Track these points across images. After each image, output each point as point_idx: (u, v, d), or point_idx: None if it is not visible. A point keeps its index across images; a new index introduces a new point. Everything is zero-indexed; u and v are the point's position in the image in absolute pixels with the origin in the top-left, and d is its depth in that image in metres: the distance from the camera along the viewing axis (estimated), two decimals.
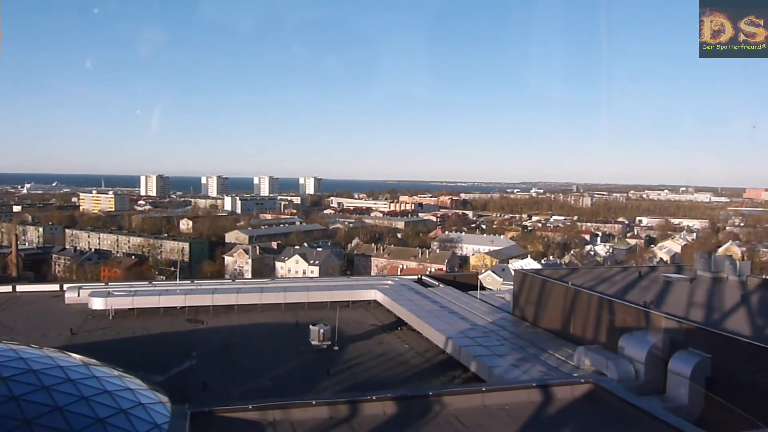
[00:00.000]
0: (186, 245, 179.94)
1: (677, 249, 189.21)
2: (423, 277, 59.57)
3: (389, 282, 55.94)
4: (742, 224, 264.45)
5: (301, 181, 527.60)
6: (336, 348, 38.84)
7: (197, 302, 48.50)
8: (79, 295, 49.96)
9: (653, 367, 28.57)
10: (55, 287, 55.28)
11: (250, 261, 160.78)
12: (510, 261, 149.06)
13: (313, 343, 38.70)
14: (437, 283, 56.14)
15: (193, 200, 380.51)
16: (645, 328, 30.49)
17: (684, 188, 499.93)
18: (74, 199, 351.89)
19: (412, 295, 48.82)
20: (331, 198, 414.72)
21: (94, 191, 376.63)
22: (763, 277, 40.75)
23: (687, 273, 42.60)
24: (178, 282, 56.11)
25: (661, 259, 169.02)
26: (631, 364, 29.27)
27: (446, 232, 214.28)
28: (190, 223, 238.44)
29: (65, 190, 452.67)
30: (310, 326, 39.37)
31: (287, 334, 43.04)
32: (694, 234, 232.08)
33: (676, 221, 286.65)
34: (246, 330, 44.46)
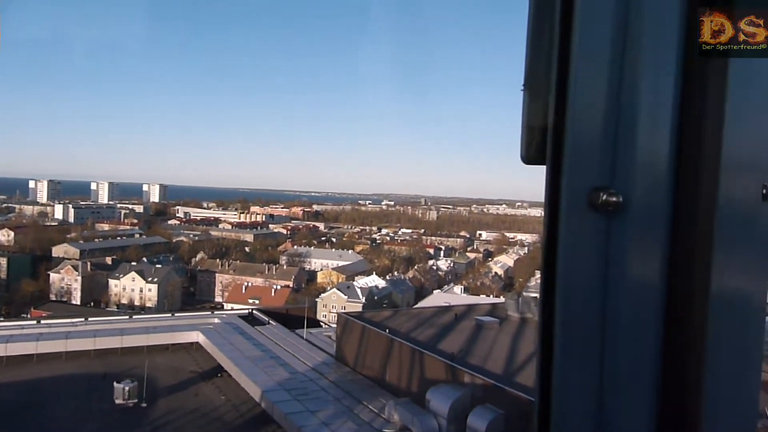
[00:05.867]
0: (4, 260, 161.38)
1: (510, 263, 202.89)
2: (254, 312, 57.89)
3: (215, 320, 53.57)
4: None
5: (145, 187, 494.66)
6: (144, 405, 36.21)
7: None
8: None
9: (456, 423, 29.61)
10: None
11: (79, 279, 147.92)
12: (356, 277, 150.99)
13: (117, 402, 35.74)
14: (267, 320, 54.79)
15: (17, 207, 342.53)
16: (451, 382, 31.66)
17: (519, 203, 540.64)
18: None
19: (235, 338, 47.04)
20: (178, 207, 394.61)
21: None
22: None
23: (499, 313, 45.17)
24: None
25: (495, 273, 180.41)
26: (435, 419, 30.13)
27: (295, 246, 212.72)
28: (12, 233, 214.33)
29: None
30: (114, 384, 36.30)
31: (93, 388, 39.29)
32: (527, 248, 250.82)
33: (511, 235, 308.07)
34: (44, 385, 39.98)
